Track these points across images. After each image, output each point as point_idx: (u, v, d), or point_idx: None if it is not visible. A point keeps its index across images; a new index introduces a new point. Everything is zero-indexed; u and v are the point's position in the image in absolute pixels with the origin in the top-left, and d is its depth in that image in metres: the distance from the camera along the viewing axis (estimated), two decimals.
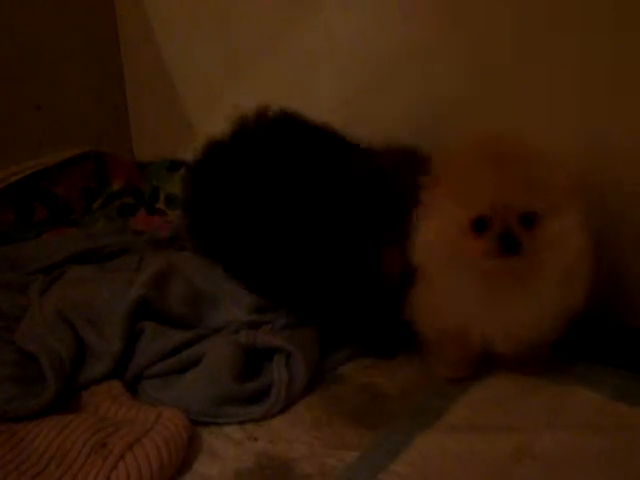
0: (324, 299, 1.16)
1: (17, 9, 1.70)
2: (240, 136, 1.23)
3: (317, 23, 1.49)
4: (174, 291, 1.31)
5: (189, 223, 1.30)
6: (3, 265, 1.49)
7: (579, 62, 1.13)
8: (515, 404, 1.09)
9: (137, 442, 0.95)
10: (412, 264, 1.02)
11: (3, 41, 1.67)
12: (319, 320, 1.20)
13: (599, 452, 0.97)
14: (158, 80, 1.87)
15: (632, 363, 1.14)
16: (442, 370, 1.15)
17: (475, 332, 1.04)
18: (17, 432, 0.98)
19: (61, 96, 1.84)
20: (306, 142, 1.17)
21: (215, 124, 1.78)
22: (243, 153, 1.20)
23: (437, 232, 0.99)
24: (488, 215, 0.95)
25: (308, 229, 1.13)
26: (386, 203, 1.07)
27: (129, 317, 1.19)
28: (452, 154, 1.01)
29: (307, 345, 1.16)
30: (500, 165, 0.95)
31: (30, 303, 1.31)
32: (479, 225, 0.95)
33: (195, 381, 1.10)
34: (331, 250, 1.11)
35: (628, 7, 1.06)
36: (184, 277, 1.35)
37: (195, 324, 1.26)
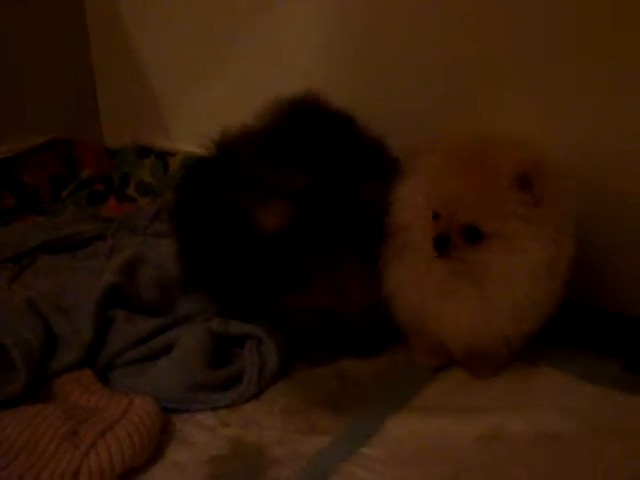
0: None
1: None
2: (225, 153, 1.17)
3: (294, 9, 1.48)
4: (145, 278, 1.30)
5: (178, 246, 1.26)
6: None
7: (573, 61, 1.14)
8: (485, 386, 1.10)
9: (109, 430, 0.94)
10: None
11: None
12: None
13: (568, 433, 0.99)
14: (127, 65, 1.85)
15: (600, 344, 1.16)
16: (417, 357, 1.16)
17: (430, 325, 1.05)
18: None
19: (29, 82, 1.81)
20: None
21: (186, 109, 1.79)
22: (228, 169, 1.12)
23: (413, 216, 1.01)
24: (440, 213, 0.96)
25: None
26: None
27: (99, 305, 1.19)
28: (439, 145, 1.01)
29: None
30: (467, 172, 0.95)
31: None
32: (436, 218, 0.98)
33: (167, 368, 1.10)
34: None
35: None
36: (156, 264, 1.34)
37: (167, 311, 1.26)
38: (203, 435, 1.02)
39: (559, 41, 1.15)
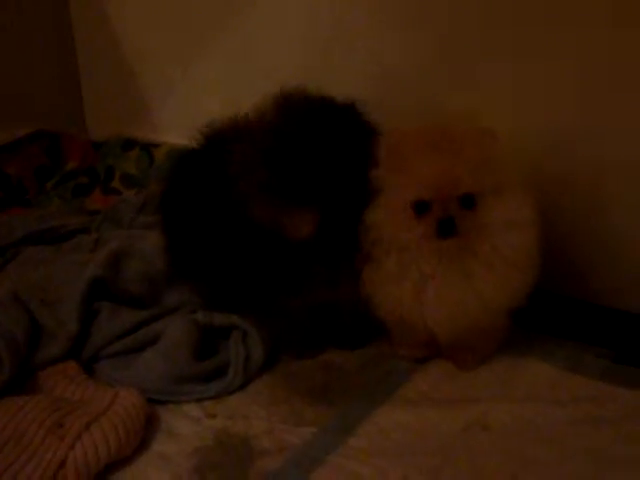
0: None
1: None
2: (216, 145, 1.14)
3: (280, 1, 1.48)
4: (131, 270, 1.30)
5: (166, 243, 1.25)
6: None
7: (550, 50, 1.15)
8: (469, 377, 1.10)
9: (94, 422, 0.94)
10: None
11: None
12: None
13: (552, 423, 0.99)
14: (112, 57, 1.84)
15: (585, 335, 1.17)
16: (401, 350, 1.16)
17: (416, 318, 1.05)
18: None
19: (13, 74, 1.80)
20: None
21: (171, 101, 1.78)
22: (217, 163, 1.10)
23: (384, 213, 1.01)
24: (428, 198, 0.97)
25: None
26: None
27: (85, 297, 1.19)
28: (401, 136, 1.01)
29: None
30: (442, 148, 0.97)
31: None
32: (419, 208, 0.97)
33: (152, 360, 1.10)
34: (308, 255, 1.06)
35: None
36: (142, 256, 1.34)
37: (152, 303, 1.26)
38: (189, 426, 1.02)
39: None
